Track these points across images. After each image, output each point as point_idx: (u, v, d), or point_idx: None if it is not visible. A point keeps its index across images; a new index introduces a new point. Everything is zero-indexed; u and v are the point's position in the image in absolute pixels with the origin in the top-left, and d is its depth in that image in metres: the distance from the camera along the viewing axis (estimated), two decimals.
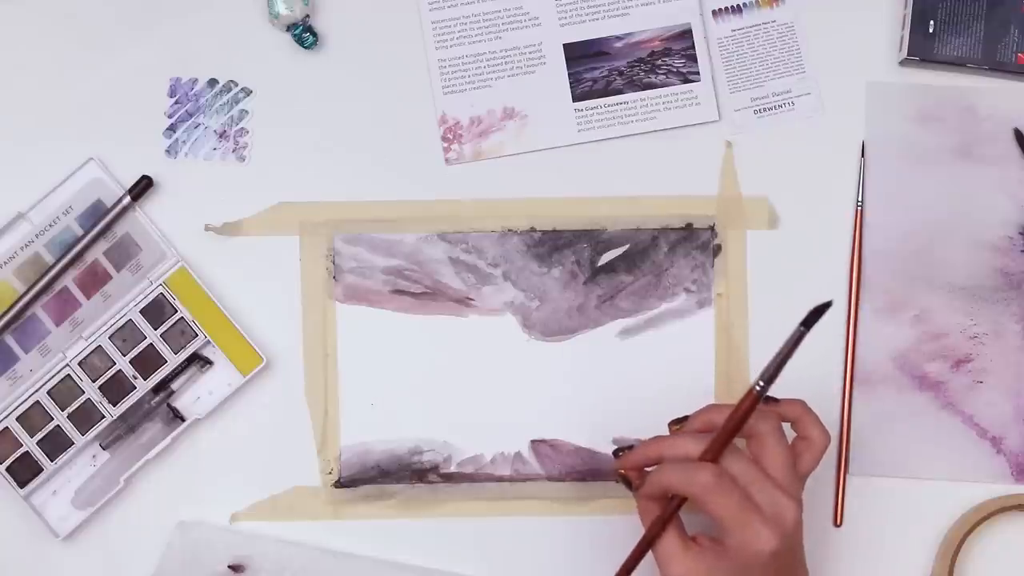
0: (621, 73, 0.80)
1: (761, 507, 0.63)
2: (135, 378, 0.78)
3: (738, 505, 0.63)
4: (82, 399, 0.78)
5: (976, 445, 0.79)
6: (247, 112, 0.80)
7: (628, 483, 0.69)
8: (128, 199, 0.78)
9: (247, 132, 0.79)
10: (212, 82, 0.80)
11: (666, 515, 0.65)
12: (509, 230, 0.80)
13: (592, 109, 0.80)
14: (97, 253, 0.78)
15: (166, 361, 0.78)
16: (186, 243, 0.79)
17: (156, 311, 0.78)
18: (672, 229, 0.80)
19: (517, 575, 0.79)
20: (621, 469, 0.69)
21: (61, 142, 0.79)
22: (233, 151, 0.79)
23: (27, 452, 0.77)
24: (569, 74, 0.80)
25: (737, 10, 0.81)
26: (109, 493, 0.77)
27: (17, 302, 0.77)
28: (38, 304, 0.78)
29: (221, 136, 0.79)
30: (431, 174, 0.80)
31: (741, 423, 0.64)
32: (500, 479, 0.79)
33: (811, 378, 0.79)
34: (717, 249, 0.80)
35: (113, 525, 0.78)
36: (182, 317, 0.78)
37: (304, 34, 0.79)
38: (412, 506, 0.79)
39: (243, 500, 0.78)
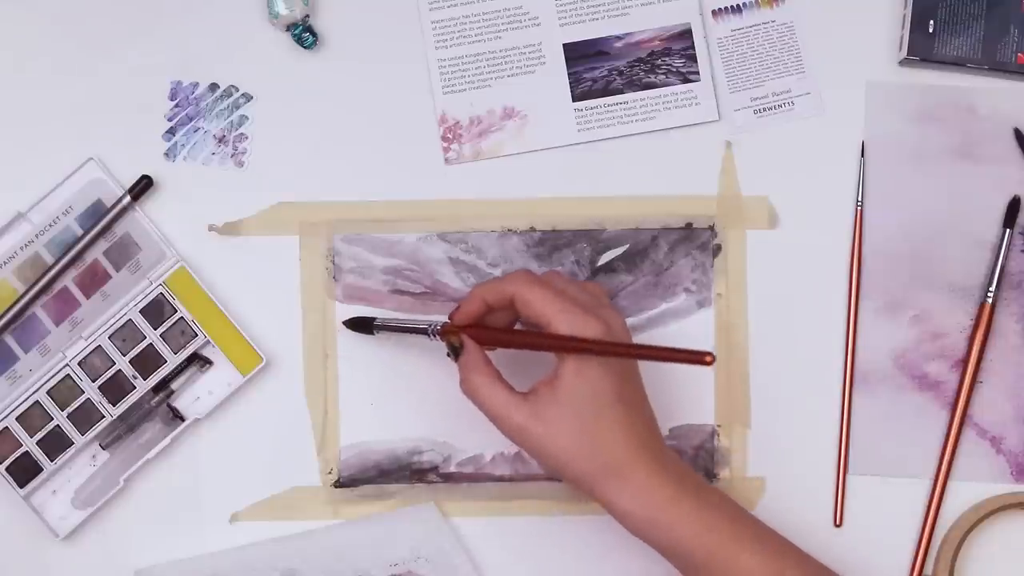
0: (621, 73, 0.80)
1: (578, 300, 0.66)
2: (135, 378, 0.78)
3: (557, 295, 0.66)
4: (82, 399, 0.78)
5: (976, 445, 0.79)
6: (247, 118, 0.80)
7: (455, 350, 0.70)
8: (128, 199, 0.78)
9: (246, 138, 0.79)
10: (213, 86, 0.80)
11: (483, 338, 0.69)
12: (509, 230, 0.80)
13: (592, 109, 0.80)
14: (97, 253, 0.78)
15: (166, 361, 0.78)
16: (186, 243, 0.79)
17: (156, 311, 0.78)
18: (672, 229, 0.80)
19: (517, 575, 0.79)
20: (452, 326, 0.71)
21: (61, 142, 0.79)
22: (232, 156, 0.79)
23: (27, 452, 0.77)
24: (569, 74, 0.80)
25: (737, 10, 0.81)
26: (109, 493, 0.77)
27: (17, 302, 0.77)
28: (38, 304, 0.78)
29: (220, 141, 0.79)
30: (431, 174, 0.80)
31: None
32: (500, 479, 0.79)
33: (811, 378, 0.79)
34: (717, 249, 0.80)
35: (113, 525, 0.78)
36: (182, 317, 0.78)
37: (304, 34, 0.79)
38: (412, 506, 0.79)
39: (243, 500, 0.78)
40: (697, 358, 0.61)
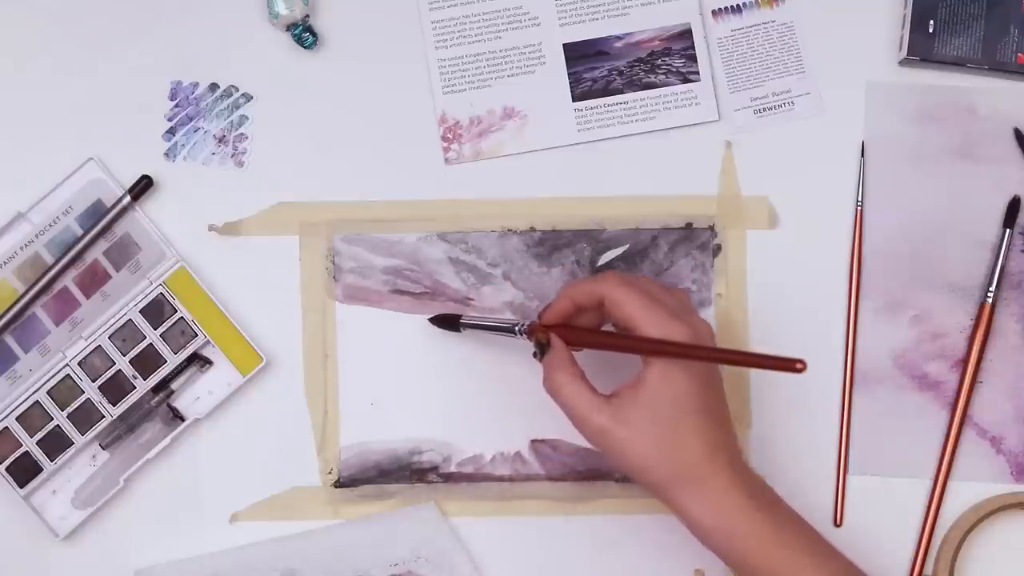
0: (621, 73, 0.80)
1: (667, 304, 0.66)
2: (135, 378, 0.78)
3: (646, 298, 0.66)
4: (82, 399, 0.78)
5: (976, 445, 0.79)
6: (247, 118, 0.80)
7: (543, 349, 0.69)
8: (128, 199, 0.78)
9: (246, 138, 0.79)
10: (213, 86, 0.80)
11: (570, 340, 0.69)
12: (509, 230, 0.80)
13: (592, 109, 0.80)
14: (97, 253, 0.78)
15: (166, 361, 0.78)
16: (186, 243, 0.79)
17: (156, 311, 0.78)
18: (672, 229, 0.80)
19: (517, 575, 0.79)
20: (542, 325, 0.70)
21: (61, 142, 0.79)
22: (232, 156, 0.79)
23: (27, 452, 0.77)
24: (569, 74, 0.80)
25: (737, 10, 0.81)
26: (109, 493, 0.77)
27: (17, 302, 0.77)
28: (38, 304, 0.78)
29: (220, 141, 0.79)
30: (431, 174, 0.80)
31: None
32: (500, 479, 0.79)
33: (811, 378, 0.79)
34: (717, 249, 0.80)
35: (113, 525, 0.78)
36: (182, 317, 0.78)
37: (304, 34, 0.79)
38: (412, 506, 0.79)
39: (243, 500, 0.78)
40: (787, 365, 0.61)
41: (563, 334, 0.69)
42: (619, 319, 0.67)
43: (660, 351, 0.65)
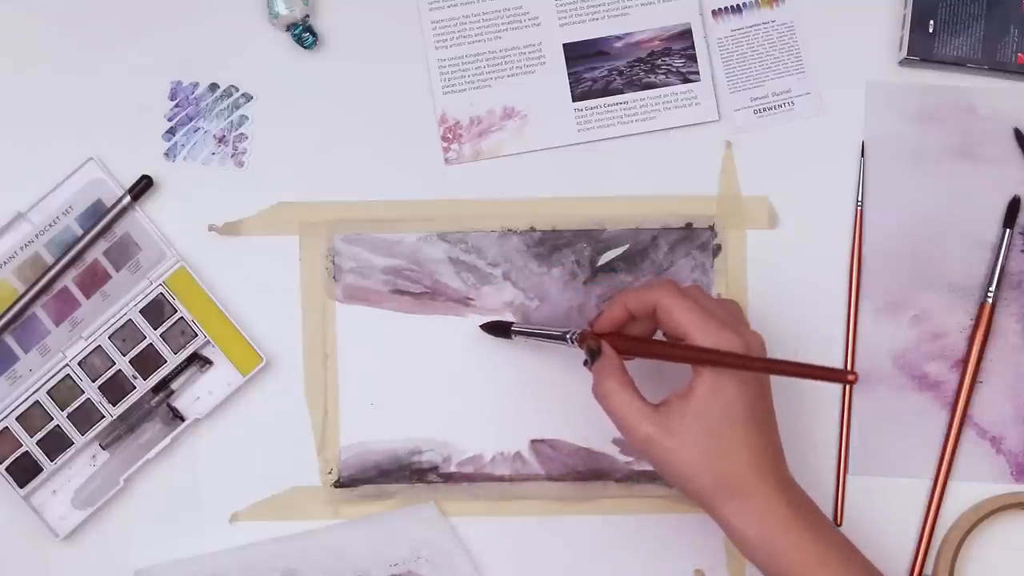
0: (621, 73, 0.80)
1: (719, 315, 0.66)
2: (135, 378, 0.78)
3: (699, 308, 0.66)
4: (82, 399, 0.78)
5: (976, 445, 0.79)
6: (247, 118, 0.80)
7: (594, 355, 0.69)
8: (128, 199, 0.78)
9: (246, 138, 0.79)
10: (213, 86, 0.80)
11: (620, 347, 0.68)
12: (509, 230, 0.80)
13: (592, 109, 0.80)
14: (97, 253, 0.78)
15: (166, 361, 0.78)
16: (186, 243, 0.79)
17: (156, 311, 0.78)
18: (672, 229, 0.80)
19: (517, 575, 0.79)
20: (593, 333, 0.70)
21: (61, 142, 0.79)
22: (232, 156, 0.79)
23: (27, 452, 0.77)
24: (569, 74, 0.80)
25: (737, 10, 0.81)
26: (109, 493, 0.77)
27: (17, 302, 0.77)
28: (38, 304, 0.78)
29: (220, 141, 0.79)
30: (431, 174, 0.80)
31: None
32: (500, 479, 0.79)
33: None
34: (717, 249, 0.80)
35: (113, 525, 0.78)
36: (182, 317, 0.78)
37: (304, 34, 0.79)
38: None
39: (243, 500, 0.78)
40: (839, 376, 0.60)
41: (614, 342, 0.69)
42: (671, 328, 0.67)
43: (711, 360, 0.65)
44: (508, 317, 0.79)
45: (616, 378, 0.67)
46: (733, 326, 0.66)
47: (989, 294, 0.78)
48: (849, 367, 0.79)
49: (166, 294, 0.78)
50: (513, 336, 0.76)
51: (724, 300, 0.70)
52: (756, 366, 0.66)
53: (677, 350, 0.67)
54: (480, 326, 0.78)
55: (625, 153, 0.80)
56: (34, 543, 0.78)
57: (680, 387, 0.66)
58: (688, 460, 0.65)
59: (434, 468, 0.79)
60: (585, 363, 0.70)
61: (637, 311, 0.69)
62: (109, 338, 0.78)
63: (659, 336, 0.71)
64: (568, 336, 0.71)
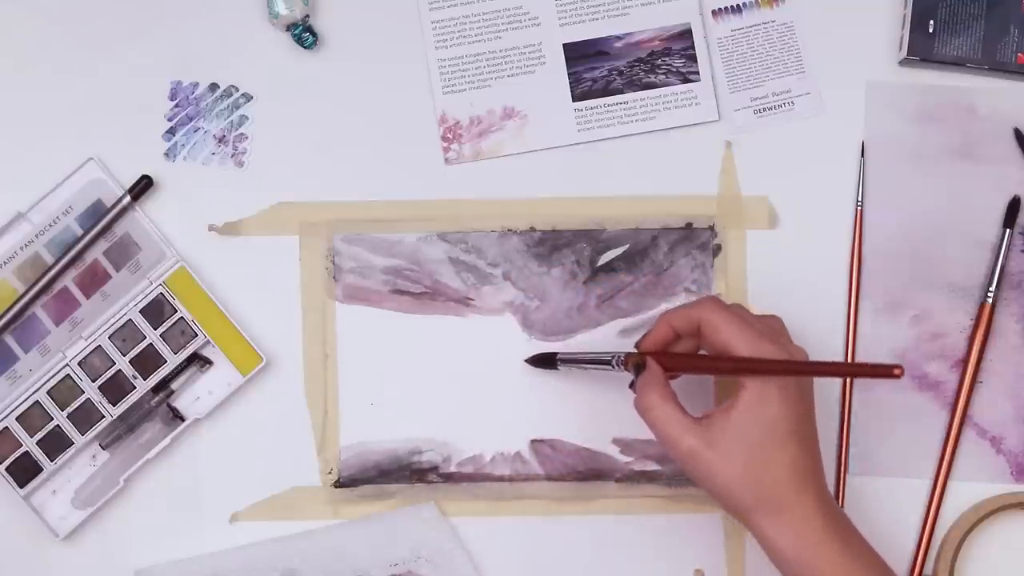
0: (621, 73, 0.80)
1: (762, 329, 0.66)
2: (135, 378, 0.78)
3: (744, 323, 0.66)
4: (82, 399, 0.78)
5: (976, 445, 0.79)
6: (247, 118, 0.80)
7: (638, 371, 0.69)
8: (128, 199, 0.78)
9: (246, 138, 0.80)
10: (213, 86, 0.80)
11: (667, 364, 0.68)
12: (509, 230, 0.80)
13: (592, 109, 0.80)
14: (97, 253, 0.79)
15: (166, 361, 0.78)
16: (186, 243, 0.79)
17: (156, 311, 0.78)
18: (672, 229, 0.80)
19: (517, 575, 0.79)
20: (640, 351, 0.70)
21: (61, 142, 0.79)
22: (232, 156, 0.79)
23: (27, 452, 0.77)
24: (569, 74, 0.80)
25: (737, 10, 0.81)
26: (109, 493, 0.77)
27: (17, 302, 0.77)
28: (38, 304, 0.78)
29: (220, 141, 0.79)
30: (431, 174, 0.80)
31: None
32: (500, 479, 0.79)
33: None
34: (717, 249, 0.80)
35: (113, 525, 0.78)
36: (182, 317, 0.78)
37: (304, 34, 0.79)
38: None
39: (243, 500, 0.78)
40: (884, 372, 0.60)
41: (659, 359, 0.69)
42: (716, 342, 0.67)
43: (755, 369, 0.65)
44: (508, 317, 0.79)
45: (659, 392, 0.67)
46: (775, 339, 0.66)
47: (989, 294, 0.78)
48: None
49: (166, 294, 0.78)
50: (559, 366, 0.76)
51: (767, 315, 0.70)
52: (800, 370, 0.66)
53: (722, 362, 0.68)
54: (525, 360, 0.78)
55: (625, 153, 0.80)
56: (34, 543, 0.78)
57: (725, 402, 0.66)
58: (728, 474, 0.65)
59: (434, 468, 0.79)
60: (631, 385, 0.70)
61: (681, 329, 0.69)
62: (109, 338, 0.78)
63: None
64: (613, 361, 0.71)
